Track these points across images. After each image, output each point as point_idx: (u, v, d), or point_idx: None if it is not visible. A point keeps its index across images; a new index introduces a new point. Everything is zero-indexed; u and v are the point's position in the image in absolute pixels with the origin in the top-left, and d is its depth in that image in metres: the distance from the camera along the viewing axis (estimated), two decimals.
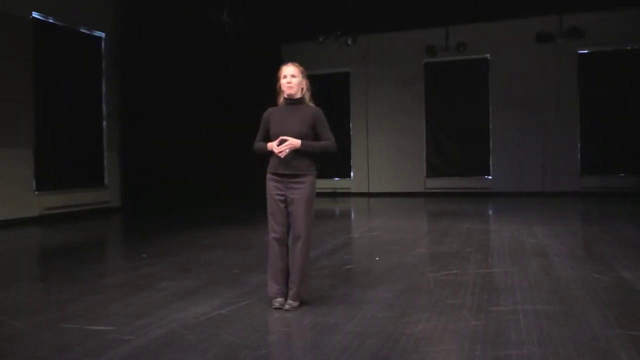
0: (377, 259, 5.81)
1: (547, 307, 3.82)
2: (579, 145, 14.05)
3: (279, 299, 3.92)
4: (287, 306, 3.85)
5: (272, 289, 3.95)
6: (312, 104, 4.01)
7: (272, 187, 3.92)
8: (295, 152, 3.83)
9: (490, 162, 14.70)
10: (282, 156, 3.79)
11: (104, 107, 11.65)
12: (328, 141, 3.94)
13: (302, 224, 3.84)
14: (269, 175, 3.95)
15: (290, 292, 3.90)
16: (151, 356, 3.02)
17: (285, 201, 3.90)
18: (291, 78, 3.91)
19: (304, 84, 3.98)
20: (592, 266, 5.16)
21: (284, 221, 3.92)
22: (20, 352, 3.14)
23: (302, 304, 3.93)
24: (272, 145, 3.84)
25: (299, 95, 3.96)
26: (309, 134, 3.89)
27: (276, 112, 4.00)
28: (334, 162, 15.85)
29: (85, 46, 11.28)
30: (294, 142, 3.79)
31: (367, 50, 15.35)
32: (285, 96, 3.97)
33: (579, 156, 14.04)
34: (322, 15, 12.99)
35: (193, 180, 12.79)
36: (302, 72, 3.97)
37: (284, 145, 3.79)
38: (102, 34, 11.60)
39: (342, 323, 3.53)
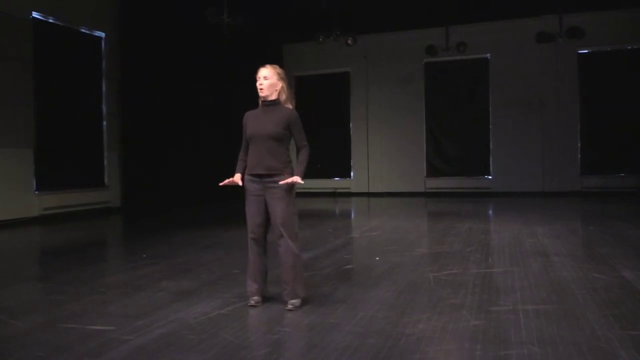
0: (378, 258, 5.81)
1: (548, 306, 3.82)
2: (579, 145, 14.05)
3: (256, 297, 3.99)
4: (289, 306, 3.85)
5: (249, 288, 4.03)
6: (289, 106, 4.01)
7: (251, 187, 3.97)
8: (271, 153, 3.87)
9: (491, 162, 14.71)
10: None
11: (104, 107, 11.65)
12: (305, 151, 3.96)
13: (282, 222, 3.86)
14: (246, 177, 4.00)
15: (285, 292, 3.92)
16: (151, 356, 3.02)
17: (264, 201, 3.93)
18: (263, 80, 3.93)
19: (280, 85, 3.97)
20: (592, 266, 5.15)
21: (261, 222, 3.98)
22: (21, 352, 3.14)
23: (303, 303, 3.93)
24: (230, 180, 4.02)
25: (273, 97, 3.97)
26: (284, 134, 3.91)
27: (253, 114, 4.05)
28: (335, 162, 15.89)
29: (86, 46, 11.28)
30: (294, 179, 3.83)
31: (367, 50, 15.37)
32: (260, 98, 4.00)
33: (579, 156, 14.04)
34: (322, 15, 12.98)
35: (193, 181, 12.79)
36: (278, 74, 3.97)
37: (288, 180, 3.83)
38: (103, 34, 11.61)
39: (343, 323, 3.53)
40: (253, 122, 3.98)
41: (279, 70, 4.00)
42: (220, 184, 4.13)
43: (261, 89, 3.94)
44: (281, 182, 3.84)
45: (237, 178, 4.04)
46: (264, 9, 12.97)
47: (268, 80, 3.93)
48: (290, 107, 4.02)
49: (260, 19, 12.52)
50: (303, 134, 3.98)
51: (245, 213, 4.04)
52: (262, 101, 4.01)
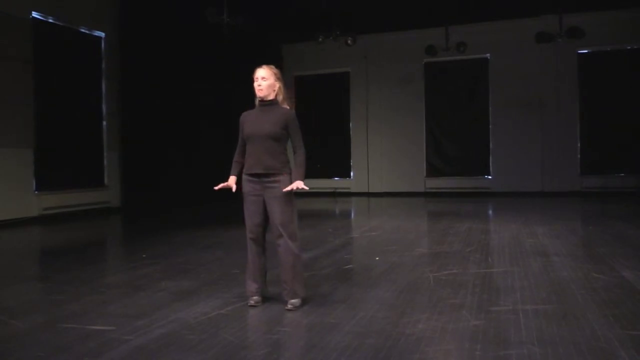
0: (377, 258, 5.81)
1: (547, 306, 3.82)
2: (579, 145, 14.06)
3: (255, 297, 4.00)
4: (289, 306, 3.85)
5: (249, 288, 4.04)
6: (286, 106, 4.03)
7: (249, 187, 3.97)
8: (269, 152, 3.87)
9: (490, 162, 14.71)
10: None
11: (104, 107, 11.65)
12: (301, 153, 3.96)
13: (281, 222, 3.87)
14: (245, 177, 4.01)
15: (285, 292, 3.92)
16: (151, 356, 3.02)
17: (262, 201, 3.94)
18: (261, 80, 3.94)
19: (277, 86, 3.99)
20: (592, 266, 5.16)
21: (260, 221, 3.99)
22: (20, 352, 3.14)
23: (303, 303, 3.93)
24: (225, 184, 4.06)
25: (271, 97, 3.99)
26: (282, 134, 3.92)
27: (250, 114, 4.06)
28: (335, 162, 15.89)
29: (85, 46, 11.28)
30: (298, 185, 3.82)
31: (367, 50, 15.37)
32: (258, 98, 4.01)
33: (579, 156, 14.05)
34: (322, 15, 12.98)
35: (193, 181, 12.79)
36: (275, 74, 3.99)
37: (293, 186, 3.82)
38: (102, 34, 11.61)
39: (342, 323, 3.53)
40: (250, 122, 3.98)
41: (275, 70, 4.02)
42: (215, 187, 4.13)
43: (260, 89, 3.95)
44: (284, 190, 3.84)
45: (231, 181, 4.07)
46: (263, 9, 12.97)
47: (266, 80, 3.95)
48: (287, 107, 4.03)
49: (260, 19, 12.53)
50: (300, 135, 3.98)
51: (243, 213, 4.04)
52: (260, 101, 4.02)
